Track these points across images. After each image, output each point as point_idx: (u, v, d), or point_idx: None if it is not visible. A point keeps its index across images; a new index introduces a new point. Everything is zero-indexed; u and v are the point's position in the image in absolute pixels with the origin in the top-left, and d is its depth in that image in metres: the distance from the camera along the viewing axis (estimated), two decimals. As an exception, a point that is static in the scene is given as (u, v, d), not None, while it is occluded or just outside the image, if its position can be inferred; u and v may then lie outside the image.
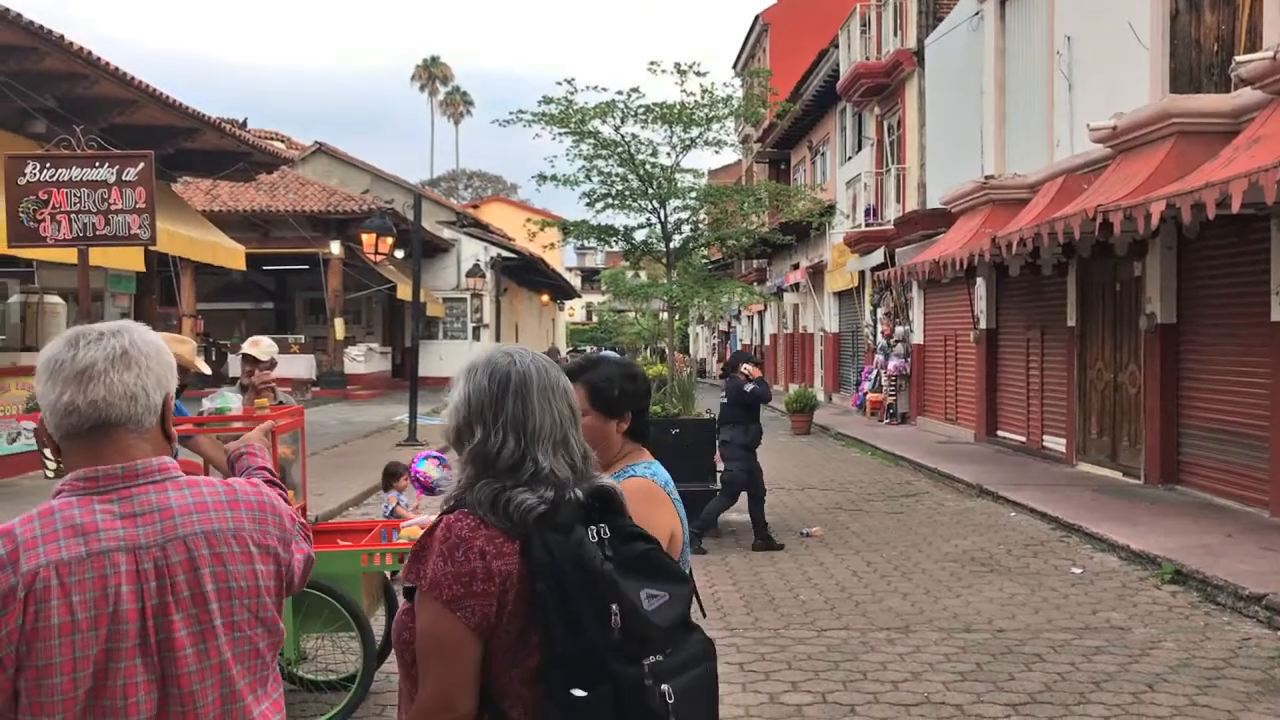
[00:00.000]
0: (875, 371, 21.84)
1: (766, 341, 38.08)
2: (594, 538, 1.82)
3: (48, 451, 6.17)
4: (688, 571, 2.34)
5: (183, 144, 14.71)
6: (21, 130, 12.36)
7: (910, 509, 11.36)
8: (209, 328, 25.95)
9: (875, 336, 22.31)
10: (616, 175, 11.55)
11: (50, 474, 11.37)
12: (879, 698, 5.47)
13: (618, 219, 11.63)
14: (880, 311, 22.01)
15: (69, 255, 9.49)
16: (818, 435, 19.87)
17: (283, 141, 27.77)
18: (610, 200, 11.69)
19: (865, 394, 22.26)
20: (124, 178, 7.25)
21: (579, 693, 1.74)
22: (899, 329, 20.82)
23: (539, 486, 1.85)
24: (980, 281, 16.69)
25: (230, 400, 5.71)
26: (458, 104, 79.69)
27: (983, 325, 16.85)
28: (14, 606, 1.60)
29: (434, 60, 77.78)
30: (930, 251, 16.31)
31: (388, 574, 5.56)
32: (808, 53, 28.10)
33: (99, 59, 11.59)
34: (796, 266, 30.33)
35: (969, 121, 16.93)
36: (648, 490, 2.46)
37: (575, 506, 1.85)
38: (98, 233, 7.26)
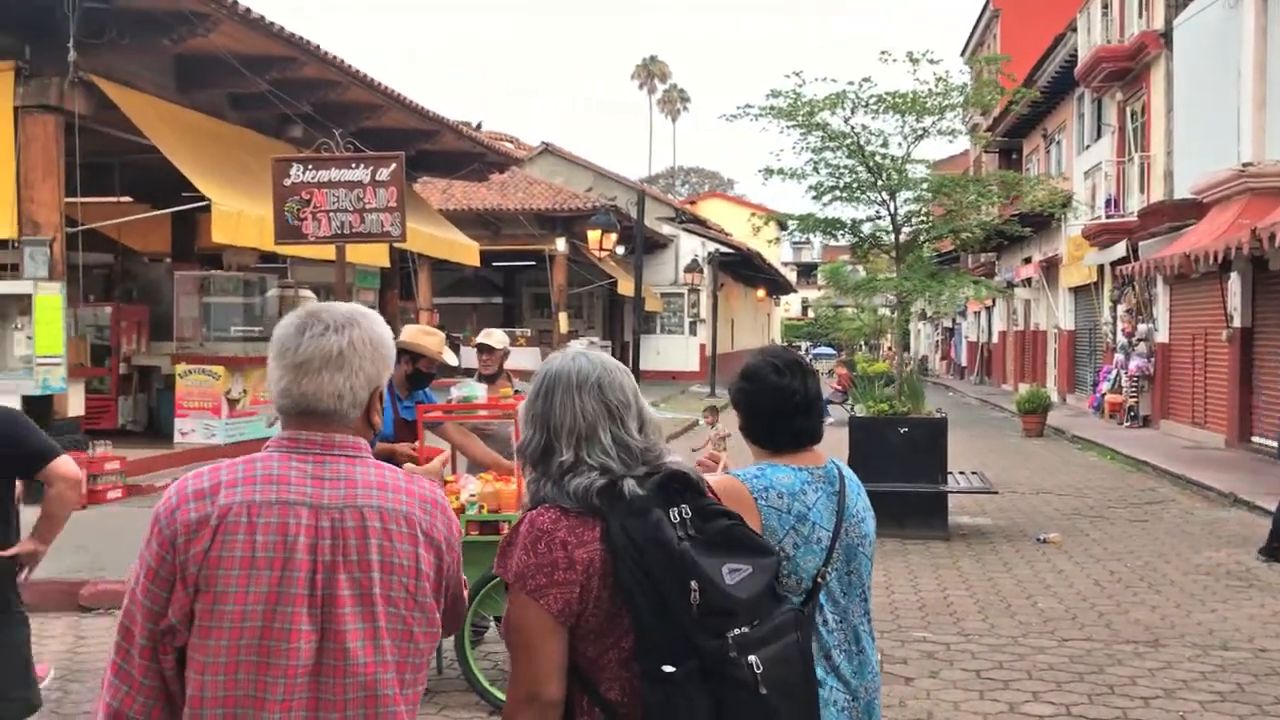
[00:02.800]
0: (1115, 371, 20.67)
1: (994, 338, 36.73)
2: (675, 518, 1.89)
3: None
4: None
5: (423, 146, 15.44)
6: (281, 135, 13.28)
7: (1156, 517, 10.71)
8: (443, 321, 27.19)
9: (1115, 334, 21.12)
10: (845, 167, 11.36)
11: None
12: (1128, 714, 5.19)
13: (845, 212, 11.44)
14: (1121, 308, 20.82)
15: (325, 252, 10.15)
16: (1051, 438, 19.01)
17: (512, 143, 28.75)
18: (838, 193, 11.52)
19: (1103, 395, 21.11)
20: (377, 178, 7.67)
21: (668, 668, 1.81)
22: (1141, 326, 19.64)
23: (580, 470, 1.95)
24: (1235, 276, 15.55)
25: (476, 389, 5.95)
26: (675, 101, 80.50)
27: (1237, 323, 15.69)
28: (205, 533, 1.79)
29: (653, 59, 78.87)
30: (1179, 244, 15.32)
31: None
32: (1040, 38, 26.88)
33: (350, 66, 12.32)
34: (1028, 260, 29.11)
35: (1223, 106, 15.78)
36: (724, 489, 2.40)
37: (653, 489, 1.92)
38: (354, 230, 7.71)
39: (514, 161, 20.23)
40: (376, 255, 13.90)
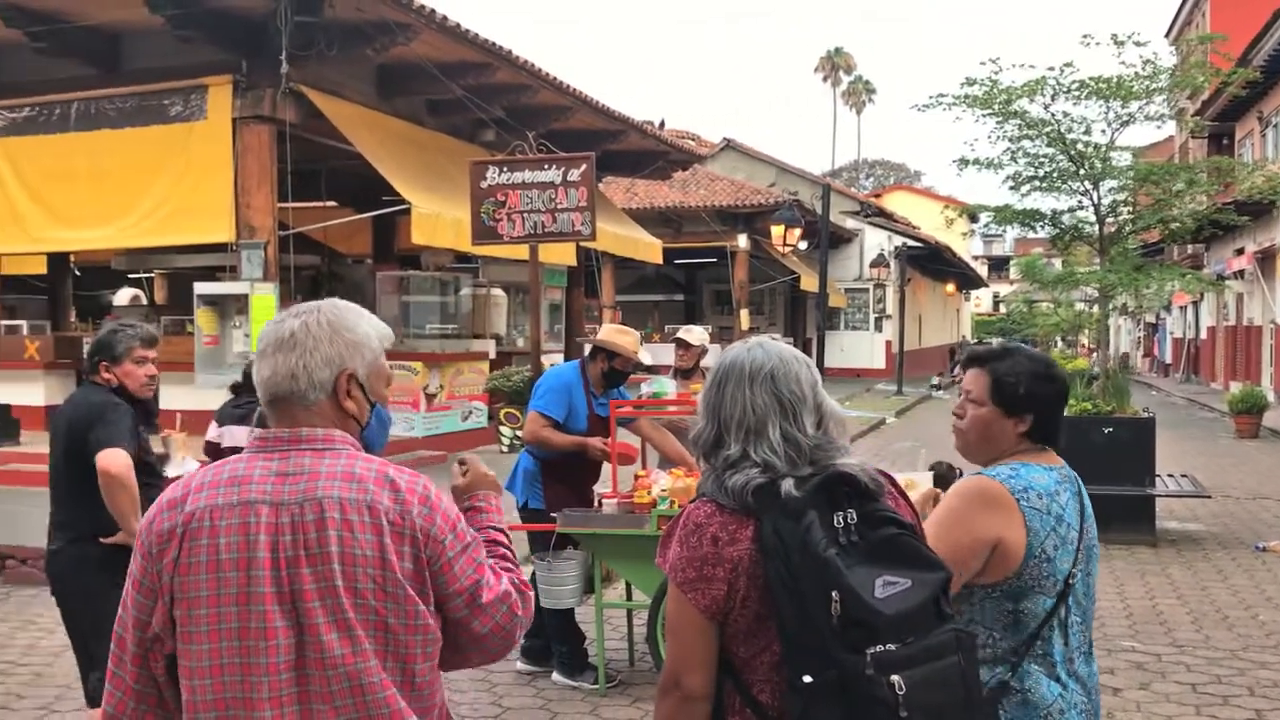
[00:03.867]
0: (1340, 369, 19.19)
1: (1202, 334, 34.65)
2: (839, 523, 1.83)
3: (504, 429, 6.66)
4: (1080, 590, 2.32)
5: (608, 146, 15.66)
6: (475, 139, 13.71)
7: (1393, 527, 9.89)
8: (626, 318, 27.54)
9: (1340, 329, 19.60)
10: (1044, 156, 10.91)
11: (505, 448, 12.58)
12: (1368, 739, 4.81)
13: (1044, 202, 10.99)
14: (1347, 301, 19.30)
15: (516, 251, 10.44)
16: (1268, 439, 17.80)
17: (693, 140, 28.87)
18: (1037, 183, 11.08)
19: (1326, 394, 19.64)
20: (568, 178, 7.84)
21: (807, 679, 1.77)
22: (1372, 321, 18.16)
23: (744, 465, 1.92)
24: None
25: (666, 385, 6.00)
26: (860, 93, 79.13)
27: None
28: (173, 542, 1.82)
29: (837, 51, 77.72)
30: None
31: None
32: (1254, 15, 25.16)
33: (540, 70, 12.61)
34: (1241, 251, 27.30)
35: None
36: (980, 490, 2.37)
37: (813, 491, 1.86)
38: (546, 230, 7.91)
39: (696, 159, 20.30)
40: (564, 254, 14.20)
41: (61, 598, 4.19)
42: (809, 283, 26.14)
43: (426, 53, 10.97)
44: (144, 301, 18.76)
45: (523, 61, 12.16)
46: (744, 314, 25.72)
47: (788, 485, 1.87)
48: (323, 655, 1.78)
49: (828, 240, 17.81)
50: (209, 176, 10.51)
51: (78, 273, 17.94)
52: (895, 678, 1.74)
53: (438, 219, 10.74)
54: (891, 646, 1.76)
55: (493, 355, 14.75)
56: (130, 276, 18.88)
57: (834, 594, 1.76)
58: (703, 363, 6.88)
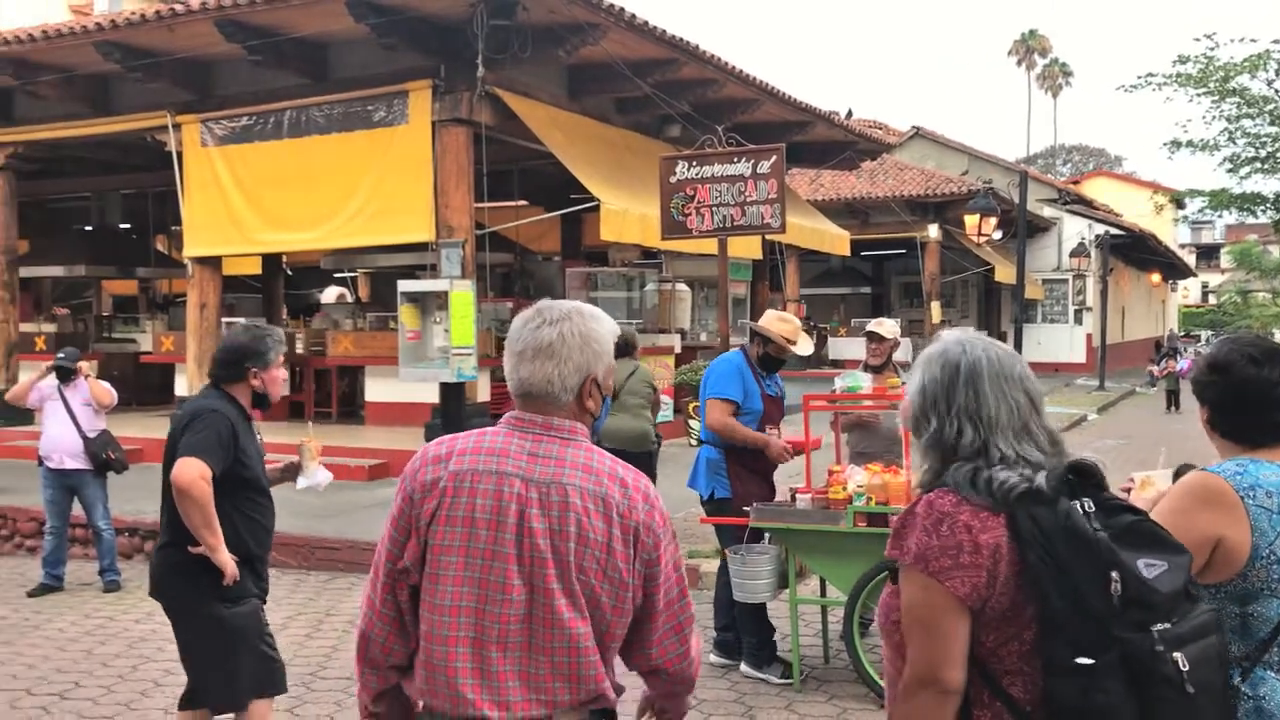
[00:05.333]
0: None
1: None
2: (1082, 509, 1.84)
3: (693, 422, 6.63)
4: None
5: (794, 137, 15.50)
6: (661, 135, 13.81)
7: None
8: (810, 312, 27.25)
9: None
10: (1266, 136, 10.21)
11: (694, 442, 12.62)
12: None
13: (1265, 185, 10.25)
14: None
15: (702, 245, 10.45)
16: None
17: (881, 129, 28.29)
18: (1258, 164, 10.38)
19: None
20: (757, 171, 7.80)
21: (1084, 661, 1.75)
22: None
23: (1016, 466, 1.90)
24: None
25: (860, 379, 5.89)
26: (1056, 76, 75.86)
27: None
28: (435, 492, 2.11)
29: (1032, 33, 74.70)
30: None
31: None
32: None
33: (726, 63, 12.59)
34: None
35: None
36: (1202, 486, 2.29)
37: (1057, 479, 1.87)
38: (735, 223, 7.89)
39: (884, 148, 19.89)
40: (750, 248, 14.14)
41: (157, 598, 4.09)
42: (1004, 274, 25.25)
43: (615, 51, 11.11)
44: (349, 299, 19.73)
45: (709, 55, 12.18)
46: (935, 306, 25.05)
47: (1040, 479, 1.87)
48: (552, 615, 2.05)
49: (1025, 229, 17.16)
50: (410, 178, 10.95)
51: (289, 272, 19.00)
52: (1178, 654, 1.76)
53: (625, 215, 10.86)
54: (1168, 625, 1.78)
55: (678, 349, 14.84)
56: (336, 276, 19.89)
57: (1113, 574, 1.77)
58: (895, 357, 6.73)
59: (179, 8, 10.59)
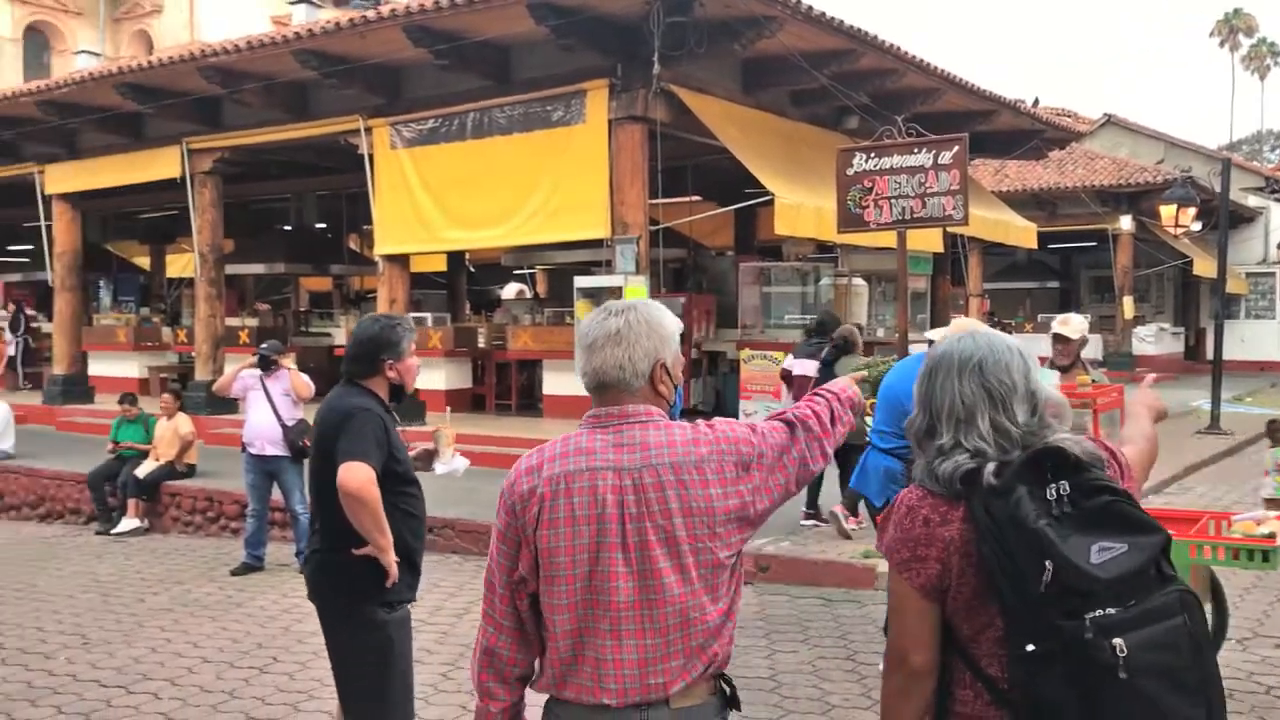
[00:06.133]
0: None
1: None
2: (1051, 495, 1.88)
3: (868, 417, 6.35)
4: None
5: (977, 127, 15.01)
6: (838, 127, 13.61)
7: None
8: (994, 307, 26.37)
9: None
10: None
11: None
12: None
13: None
14: None
15: (879, 239, 10.26)
16: None
17: (1070, 117, 27.10)
18: None
19: None
20: (939, 161, 7.60)
21: (1030, 647, 1.85)
22: None
23: (955, 454, 2.00)
24: None
25: (1048, 376, 5.67)
26: (1263, 56, 71.15)
27: None
28: (534, 500, 2.19)
29: (1236, 12, 70.29)
30: None
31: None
32: None
33: (906, 52, 12.31)
34: None
35: None
36: None
37: (1019, 468, 1.92)
38: (914, 215, 7.70)
39: (1073, 137, 19.06)
40: (930, 241, 13.79)
41: (315, 601, 3.95)
42: (1203, 267, 23.83)
43: (791, 43, 11.01)
44: (528, 295, 20.19)
45: (888, 45, 11.93)
46: (1127, 302, 23.87)
47: (990, 470, 1.94)
48: (664, 595, 2.14)
49: (1227, 220, 16.14)
50: (587, 176, 11.13)
51: (472, 269, 19.60)
52: (1117, 640, 1.80)
53: (800, 209, 10.75)
54: (1111, 611, 1.82)
55: (855, 345, 14.59)
56: (516, 272, 20.38)
57: (1046, 564, 1.82)
58: (1084, 354, 6.44)
59: (370, 15, 11.06)
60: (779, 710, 5.21)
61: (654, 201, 11.57)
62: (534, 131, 11.51)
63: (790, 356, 9.13)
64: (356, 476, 3.61)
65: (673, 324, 2.31)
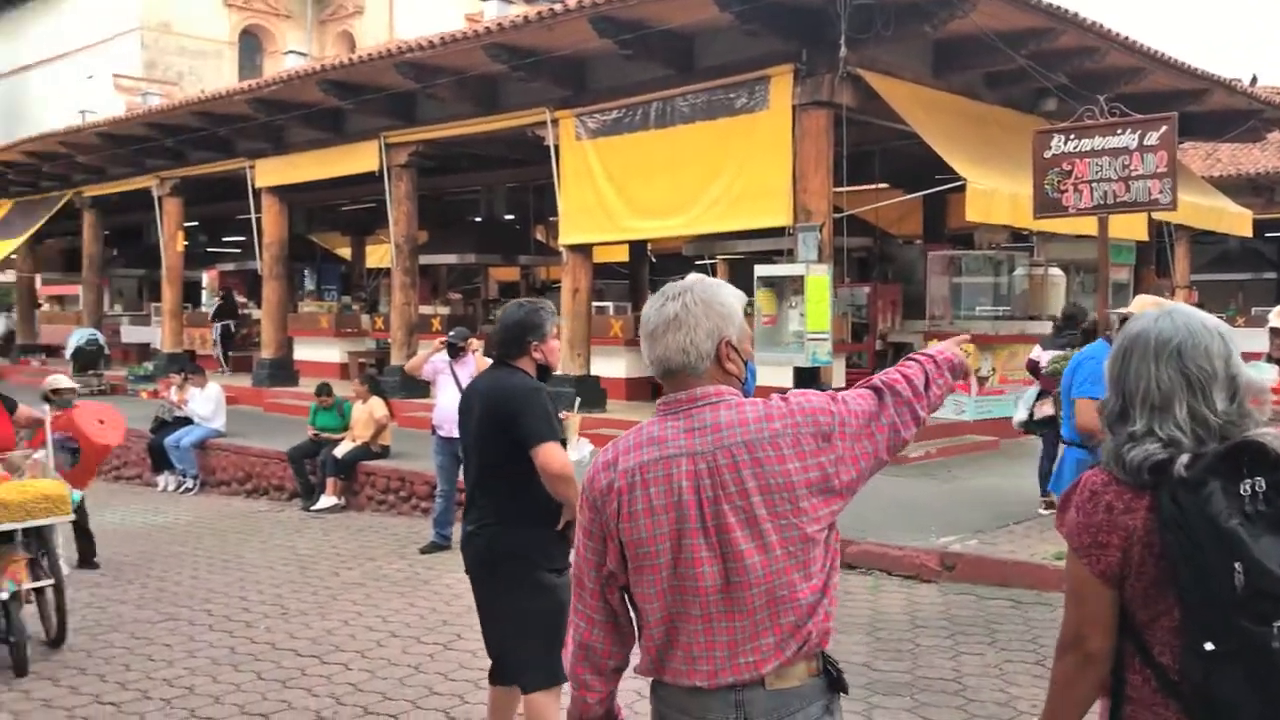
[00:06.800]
0: None
1: None
2: (1245, 491, 1.80)
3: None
4: None
5: (1186, 107, 14.11)
6: (1034, 109, 13.02)
7: None
8: (1203, 299, 24.82)
9: None
10: None
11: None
12: None
13: None
14: None
15: (1078, 226, 9.76)
16: None
17: (1292, 95, 25.18)
18: None
19: None
20: (1145, 142, 7.16)
21: (1209, 646, 1.79)
22: None
23: (1146, 441, 1.91)
24: None
25: (1265, 370, 5.27)
26: None
27: None
28: (612, 495, 2.20)
29: None
30: None
31: None
32: None
33: (1109, 30, 11.65)
34: None
35: None
36: None
37: (1212, 461, 1.83)
38: (1118, 199, 7.29)
39: (1297, 116, 17.69)
40: (1133, 228, 13.04)
41: (472, 579, 4.18)
42: None
43: (985, 23, 10.58)
44: (709, 285, 20.08)
45: (1090, 23, 11.31)
46: (1354, 294, 22.06)
47: (1182, 462, 1.86)
48: (747, 575, 2.11)
49: None
50: (770, 164, 11.00)
51: (654, 260, 19.72)
52: None
53: (993, 194, 10.34)
54: None
55: (1049, 338, 13.98)
56: (697, 262, 20.38)
57: (1237, 565, 1.76)
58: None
59: (557, 8, 11.23)
60: (963, 714, 5.02)
61: (839, 189, 11.33)
62: (717, 119, 11.44)
63: (1038, 348, 9.01)
64: (557, 457, 3.82)
65: (733, 299, 2.27)
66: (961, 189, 10.46)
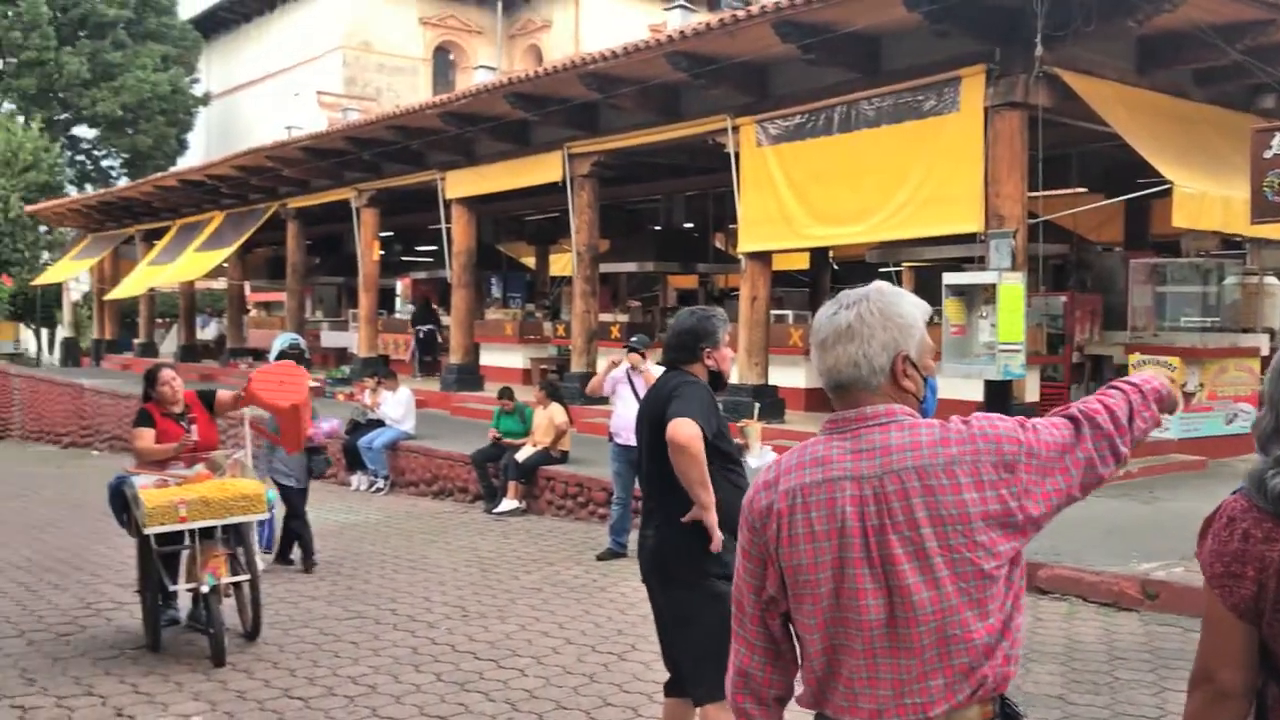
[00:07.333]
0: None
1: None
2: None
3: None
4: None
5: None
6: (1250, 107, 12.18)
7: None
8: None
9: None
10: None
11: None
12: None
13: None
14: None
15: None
16: None
17: None
18: None
19: None
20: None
21: None
22: None
23: None
24: None
25: None
26: None
27: None
28: (772, 517, 2.07)
29: None
30: None
31: None
32: None
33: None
34: None
35: None
36: None
37: None
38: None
39: None
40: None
41: (649, 584, 4.18)
42: None
43: (1196, 16, 9.92)
44: (892, 293, 19.59)
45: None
46: None
47: None
48: (914, 612, 1.94)
49: None
50: (959, 168, 10.61)
51: (835, 266, 19.38)
52: None
53: (1203, 198, 9.70)
54: None
55: (1265, 351, 12.99)
56: (881, 270, 19.92)
57: None
58: None
59: (740, 14, 11.14)
60: (1169, 758, 4.66)
61: (1033, 194, 10.85)
62: (904, 123, 11.11)
63: None
64: (685, 429, 3.80)
65: (913, 310, 2.11)
66: (1167, 193, 9.86)
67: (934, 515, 1.95)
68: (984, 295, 10.30)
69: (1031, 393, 11.20)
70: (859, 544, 1.98)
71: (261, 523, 8.14)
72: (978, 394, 10.73)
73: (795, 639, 2.15)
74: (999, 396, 10.26)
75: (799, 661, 2.16)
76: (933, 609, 1.94)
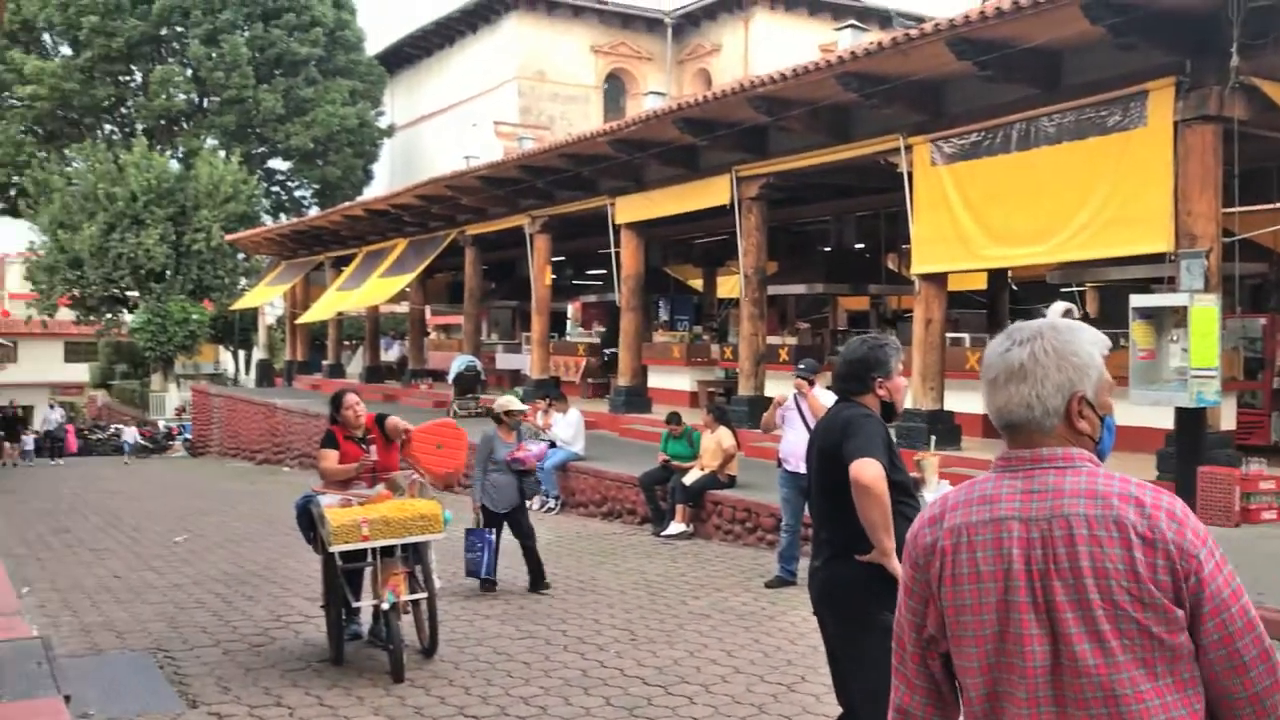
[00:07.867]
0: None
1: None
2: None
3: None
4: None
5: None
6: None
7: None
8: None
9: None
10: None
11: None
12: None
13: None
14: None
15: None
16: None
17: None
18: None
19: None
20: None
21: None
22: None
23: None
24: None
25: None
26: None
27: None
28: (936, 554, 2.01)
29: None
30: None
31: None
32: None
33: None
34: None
35: None
36: None
37: None
38: None
39: None
40: None
41: (819, 616, 4.14)
42: None
43: None
44: (1076, 315, 18.87)
45: None
46: None
47: None
48: (1076, 663, 1.86)
49: None
50: (1145, 185, 10.12)
51: (1014, 287, 18.75)
52: None
53: None
54: None
55: None
56: (1063, 290, 19.18)
57: None
58: None
59: (913, 33, 10.94)
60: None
61: (1228, 210, 10.26)
62: (1086, 139, 10.68)
63: None
64: (869, 471, 3.75)
65: (1090, 348, 2.01)
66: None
67: (1098, 567, 1.86)
68: (1174, 318, 9.77)
69: (1227, 420, 10.57)
70: (1024, 587, 1.91)
71: (480, 547, 8.45)
72: (1167, 422, 10.19)
73: (955, 681, 2.08)
74: (1191, 425, 9.72)
75: (959, 705, 2.08)
76: (1095, 663, 1.85)
